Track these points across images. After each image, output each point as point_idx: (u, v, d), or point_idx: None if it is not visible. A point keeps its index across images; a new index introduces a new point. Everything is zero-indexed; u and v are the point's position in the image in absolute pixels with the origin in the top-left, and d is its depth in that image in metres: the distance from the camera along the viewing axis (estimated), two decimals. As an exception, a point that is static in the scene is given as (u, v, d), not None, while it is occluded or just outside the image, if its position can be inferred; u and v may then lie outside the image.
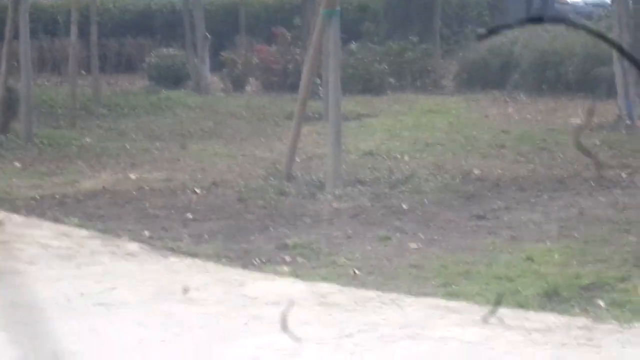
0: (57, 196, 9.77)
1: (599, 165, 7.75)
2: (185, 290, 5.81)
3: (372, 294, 6.70)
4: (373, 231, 8.43)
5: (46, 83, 19.03)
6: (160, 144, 13.10)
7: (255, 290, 6.77)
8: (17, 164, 11.52)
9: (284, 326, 4.82)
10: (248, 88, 18.77)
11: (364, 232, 8.43)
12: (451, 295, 6.63)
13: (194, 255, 7.67)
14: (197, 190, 10.07)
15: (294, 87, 14.37)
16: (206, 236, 8.27)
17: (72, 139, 13.19)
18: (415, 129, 13.44)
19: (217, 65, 19.05)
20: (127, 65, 21.59)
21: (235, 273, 7.21)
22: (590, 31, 2.19)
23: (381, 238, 8.20)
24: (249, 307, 6.40)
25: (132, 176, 10.87)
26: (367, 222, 8.77)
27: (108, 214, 9.08)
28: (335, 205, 9.36)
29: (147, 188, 10.18)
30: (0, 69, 13.21)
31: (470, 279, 7.03)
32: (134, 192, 10.01)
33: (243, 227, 8.62)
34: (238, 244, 8.03)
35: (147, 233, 8.32)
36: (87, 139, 13.35)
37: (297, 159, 10.91)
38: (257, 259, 7.57)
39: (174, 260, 7.55)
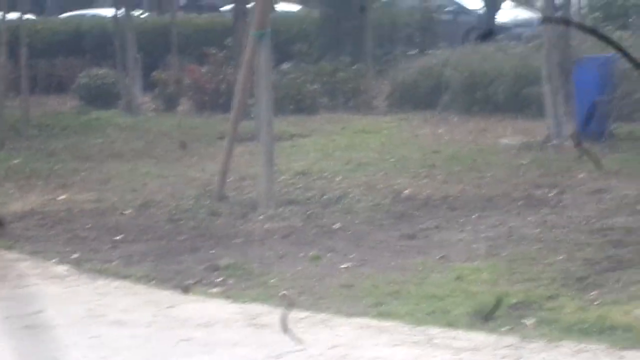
0: (-15, 218, 9.66)
1: (599, 164, 7.86)
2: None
3: (302, 314, 6.70)
4: (305, 251, 8.43)
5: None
6: (90, 165, 13.00)
7: (186, 311, 6.74)
8: (-56, 186, 11.36)
9: (284, 327, 4.79)
10: (180, 108, 18.71)
11: (295, 252, 8.43)
12: (382, 315, 6.66)
13: (123, 277, 7.62)
14: (127, 211, 10.00)
15: (226, 107, 14.36)
16: (136, 257, 8.21)
17: (0, 160, 13.04)
18: (347, 148, 13.49)
19: (149, 85, 18.97)
20: (58, 86, 21.41)
21: (165, 295, 7.17)
22: (590, 31, 2.22)
23: (312, 258, 8.21)
24: (179, 328, 6.36)
25: (62, 197, 10.77)
26: (299, 242, 8.77)
27: (37, 235, 8.99)
28: (267, 225, 9.35)
29: (76, 209, 10.09)
30: None
31: (401, 299, 7.06)
32: (64, 214, 9.92)
33: (174, 248, 8.58)
34: (168, 265, 7.99)
35: (76, 255, 8.25)
36: (16, 160, 13.21)
37: (230, 179, 10.89)
38: (187, 281, 7.54)
39: (103, 282, 7.49)
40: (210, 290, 7.31)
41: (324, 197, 10.54)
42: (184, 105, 18.86)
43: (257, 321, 6.55)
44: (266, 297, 7.13)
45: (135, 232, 9.16)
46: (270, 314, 6.70)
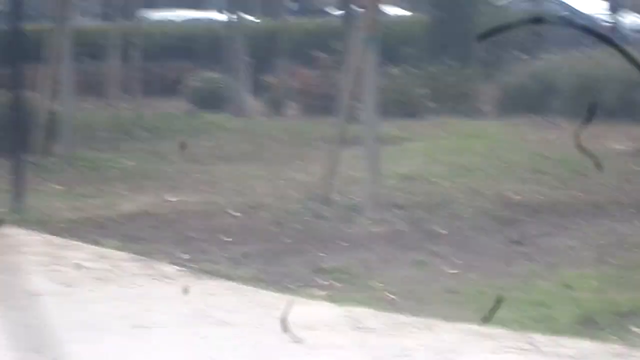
0: (97, 219, 9.85)
1: (599, 166, 7.74)
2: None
3: (406, 319, 6.70)
4: (409, 256, 8.42)
5: (89, 106, 19.20)
6: (199, 167, 13.18)
7: (291, 314, 6.78)
8: (58, 187, 11.62)
9: (284, 327, 4.82)
10: (288, 112, 18.84)
11: (400, 256, 8.43)
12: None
13: (231, 278, 7.70)
14: (235, 213, 10.11)
15: (333, 111, 14.41)
16: (243, 259, 8.30)
17: (112, 162, 13.30)
18: (454, 153, 13.42)
19: (258, 89, 19.14)
20: (169, 89, 21.75)
21: (271, 297, 7.23)
22: (591, 32, 2.20)
23: (417, 263, 8.19)
24: (284, 331, 6.40)
25: (172, 199, 10.94)
26: (404, 246, 8.77)
27: (147, 236, 9.14)
28: (372, 229, 9.36)
29: (186, 211, 10.24)
30: (43, 92, 13.36)
31: (507, 305, 6.99)
32: (173, 215, 10.07)
33: (280, 250, 8.65)
34: (274, 267, 8.06)
35: (184, 256, 8.37)
36: (128, 162, 13.46)
37: (335, 183, 10.94)
38: (292, 283, 7.59)
39: (211, 283, 7.59)
40: (315, 293, 7.35)
41: (430, 201, 10.51)
42: (293, 108, 18.99)
43: (361, 325, 6.57)
44: (371, 300, 7.14)
45: (243, 234, 9.26)
46: (375, 317, 6.71)
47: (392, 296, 7.23)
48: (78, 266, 8.01)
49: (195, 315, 6.74)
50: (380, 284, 7.57)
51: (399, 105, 17.21)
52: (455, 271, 7.92)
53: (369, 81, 10.31)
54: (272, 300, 7.12)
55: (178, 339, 6.24)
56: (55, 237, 9.07)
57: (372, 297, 7.24)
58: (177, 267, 8.02)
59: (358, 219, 9.72)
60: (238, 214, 10.09)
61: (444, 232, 9.21)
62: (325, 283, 7.61)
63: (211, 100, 19.47)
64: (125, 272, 7.85)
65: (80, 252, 8.53)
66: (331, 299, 7.18)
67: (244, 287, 7.48)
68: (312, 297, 7.26)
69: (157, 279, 7.71)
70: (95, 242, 8.85)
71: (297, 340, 4.42)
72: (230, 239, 9.01)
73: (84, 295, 7.21)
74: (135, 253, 8.47)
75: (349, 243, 8.89)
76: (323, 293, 7.36)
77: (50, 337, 6.19)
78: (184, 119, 18.12)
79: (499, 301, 4.93)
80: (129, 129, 16.26)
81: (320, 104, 18.11)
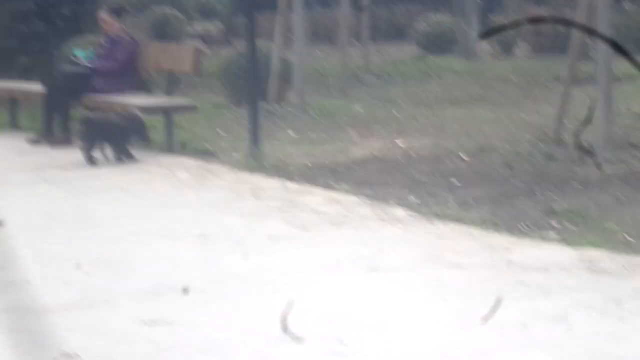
0: (329, 164, 10.06)
1: (599, 165, 7.42)
2: (185, 291, 5.67)
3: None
4: (645, 196, 8.22)
5: (319, 53, 19.50)
6: (427, 111, 13.22)
7: (521, 255, 6.77)
8: (291, 133, 11.90)
9: (284, 327, 4.77)
10: (518, 52, 18.58)
11: (635, 196, 8.24)
12: None
13: (460, 220, 7.73)
14: (463, 156, 10.11)
15: (564, 49, 14.12)
16: (472, 202, 8.31)
17: (342, 108, 13.50)
18: (692, 89, 12.94)
19: (486, 29, 18.95)
20: (396, 33, 21.81)
21: (500, 238, 7.23)
22: (583, 28, 2.12)
23: (653, 203, 7.99)
24: (515, 272, 6.41)
25: (400, 143, 11.03)
26: (639, 186, 8.56)
27: (376, 180, 9.27)
28: (606, 170, 9.17)
29: (414, 155, 10.32)
30: (275, 40, 13.65)
31: None
32: (403, 159, 10.17)
33: (509, 192, 8.61)
34: (504, 209, 8.04)
35: (413, 199, 8.45)
36: (357, 108, 13.62)
37: (568, 124, 10.75)
38: (523, 225, 7.56)
39: (440, 226, 7.64)
40: (546, 235, 7.30)
41: (667, 139, 10.20)
42: (522, 48, 18.71)
43: (595, 266, 6.49)
44: (604, 242, 7.03)
45: (471, 176, 9.25)
46: (610, 259, 6.61)
47: (629, 238, 7.09)
48: (312, 210, 8.22)
49: (427, 258, 6.82)
50: (615, 226, 7.43)
51: (633, 42, 16.69)
52: (693, 211, 7.69)
53: (602, 17, 10.05)
54: (503, 243, 7.12)
55: (411, 281, 6.33)
56: (290, 182, 9.32)
57: (606, 239, 7.12)
58: (408, 211, 8.11)
59: (590, 159, 9.54)
60: (468, 158, 10.08)
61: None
62: (558, 225, 7.54)
63: (440, 43, 19.42)
64: (357, 216, 8.00)
65: (315, 196, 8.74)
66: (564, 241, 7.11)
67: (475, 230, 7.50)
68: (544, 239, 7.21)
69: (389, 222, 7.82)
70: (329, 187, 9.05)
71: (297, 340, 4.40)
72: (460, 183, 9.03)
73: (319, 238, 7.40)
74: (366, 197, 8.61)
75: (582, 185, 8.75)
76: (555, 235, 7.30)
77: (285, 278, 6.40)
78: (412, 63, 18.15)
79: (498, 301, 4.82)
80: (359, 75, 16.44)
81: (549, 42, 17.78)
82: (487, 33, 3.45)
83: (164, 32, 22.49)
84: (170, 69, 11.95)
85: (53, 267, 6.73)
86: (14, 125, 12.70)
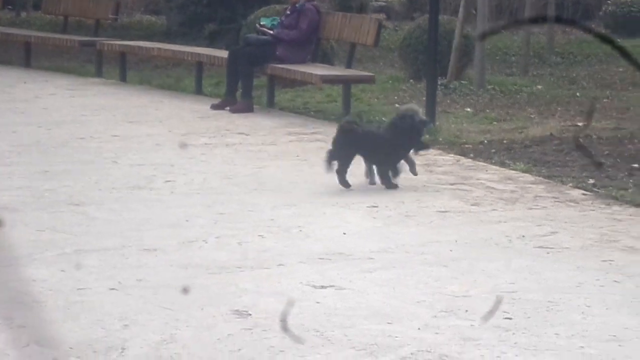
0: (505, 141, 9.97)
1: (599, 165, 6.93)
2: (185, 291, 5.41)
3: None
4: None
5: (502, 31, 19.25)
6: (610, 93, 12.94)
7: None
8: (469, 109, 11.84)
9: (284, 327, 4.62)
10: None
11: None
12: None
13: (637, 204, 7.57)
14: (646, 140, 9.88)
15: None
16: (653, 186, 8.12)
17: (523, 86, 13.34)
18: None
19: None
20: (584, 14, 21.38)
21: (679, 225, 7.05)
22: (589, 30, 2.00)
23: None
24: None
25: (580, 124, 10.85)
26: None
27: (553, 160, 9.15)
28: None
29: (594, 136, 10.13)
30: (458, 15, 13.58)
31: None
32: (582, 140, 9.99)
33: (691, 178, 8.37)
34: (685, 195, 7.83)
35: (591, 181, 8.31)
36: (538, 87, 13.44)
37: None
38: None
39: (617, 209, 7.50)
40: None
41: None
42: None
43: None
44: None
45: (653, 161, 9.04)
46: None
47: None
48: (485, 187, 8.18)
49: (600, 239, 6.71)
50: None
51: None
52: None
53: None
54: (680, 229, 6.94)
55: (583, 262, 6.25)
56: (463, 157, 9.30)
57: None
58: (583, 192, 7.99)
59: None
60: (649, 141, 9.84)
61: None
62: None
63: (628, 24, 18.95)
64: (531, 195, 7.92)
65: (487, 173, 8.70)
66: None
67: (648, 214, 7.33)
68: None
69: (562, 202, 7.72)
70: (502, 164, 8.98)
71: (298, 341, 4.27)
72: (639, 166, 8.83)
73: (489, 214, 7.37)
74: (541, 176, 8.52)
75: None
76: None
77: (453, 252, 6.40)
78: (597, 44, 17.76)
79: (498, 301, 4.59)
80: (541, 54, 16.21)
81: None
82: (485, 35, 3.40)
83: (347, 3, 22.64)
84: (352, 40, 12.04)
85: (227, 229, 6.90)
86: (199, 90, 13.04)
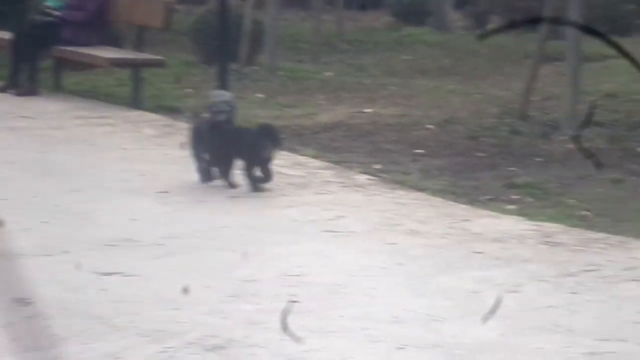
0: (295, 127, 10.06)
1: (599, 164, 7.55)
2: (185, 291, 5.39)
3: (599, 235, 6.63)
4: (606, 173, 8.29)
5: (292, 17, 19.43)
6: (397, 80, 13.22)
7: (480, 226, 6.81)
8: (261, 95, 11.89)
9: (284, 326, 4.77)
10: (490, 26, 18.60)
11: (596, 174, 8.30)
12: (682, 242, 6.48)
13: (421, 189, 7.77)
14: (430, 127, 10.14)
15: (537, 26, 14.15)
16: (435, 171, 8.35)
17: (313, 73, 13.48)
18: (660, 72, 13.01)
19: (460, 2, 18.95)
20: (373, 2, 21.77)
21: (460, 209, 7.27)
22: (591, 32, 2.13)
23: (614, 181, 8.06)
24: (472, 242, 6.45)
25: (368, 110, 11.05)
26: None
27: (342, 146, 9.29)
28: (568, 146, 9.23)
29: (381, 123, 10.34)
30: (249, 1, 13.60)
31: None
32: (369, 127, 10.18)
33: (472, 164, 8.65)
34: (466, 180, 8.08)
35: (378, 166, 8.48)
36: (328, 74, 13.61)
37: (534, 99, 10.80)
38: (483, 196, 7.61)
39: (401, 194, 7.68)
40: (505, 207, 7.35)
41: (631, 119, 10.28)
42: (495, 23, 18.72)
43: (551, 239, 6.54)
44: (562, 217, 7.09)
45: (436, 147, 9.29)
46: (565, 233, 6.67)
47: (587, 213, 7.15)
48: (276, 172, 8.21)
49: (385, 223, 6.85)
50: (574, 201, 7.50)
51: (605, 22, 16.74)
52: (652, 190, 7.77)
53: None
54: (461, 212, 7.16)
55: (367, 245, 6.36)
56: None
57: (564, 213, 7.19)
58: (369, 177, 8.14)
59: (554, 135, 9.61)
60: (433, 127, 10.11)
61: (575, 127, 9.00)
62: (517, 198, 7.59)
63: (413, 13, 19.40)
64: (320, 180, 8.02)
65: (278, 158, 8.74)
66: (523, 214, 7.17)
67: (434, 198, 7.54)
68: (503, 211, 7.26)
69: (349, 187, 7.85)
70: (292, 150, 9.05)
71: (297, 340, 4.40)
72: (424, 152, 9.06)
73: (279, 199, 7.42)
74: (329, 162, 8.63)
75: (544, 159, 8.81)
76: (514, 207, 7.35)
77: (244, 237, 6.42)
78: (385, 32, 18.13)
79: (498, 302, 4.89)
80: (331, 41, 16.41)
81: (523, 18, 17.78)
82: (485, 35, 3.46)
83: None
84: (141, 23, 11.88)
85: (13, 215, 6.70)
86: (-19, 73, 12.60)
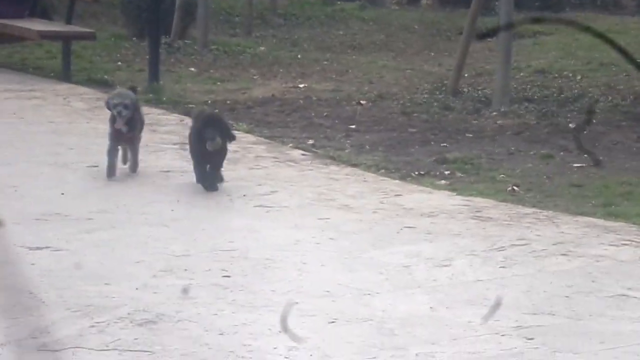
0: (228, 102, 10.01)
1: (598, 163, 7.69)
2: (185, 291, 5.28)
3: (528, 210, 6.70)
4: (536, 149, 8.37)
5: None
6: (330, 55, 13.22)
7: (411, 201, 6.85)
8: (193, 69, 11.81)
9: (284, 327, 4.79)
10: (423, 2, 18.65)
11: (526, 149, 8.38)
12: (610, 216, 6.57)
13: (354, 164, 7.79)
14: (362, 102, 10.16)
15: (469, 2, 14.21)
16: (368, 147, 8.37)
17: (246, 47, 13.42)
18: (590, 48, 13.16)
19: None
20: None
21: (392, 184, 7.30)
22: (591, 32, 2.15)
23: (544, 156, 8.14)
24: (404, 216, 6.48)
25: (301, 85, 11.03)
26: (531, 139, 8.71)
27: (275, 121, 9.27)
28: (499, 121, 9.31)
29: (314, 98, 10.33)
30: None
31: (632, 200, 6.94)
32: (302, 101, 10.17)
33: (405, 139, 8.69)
34: (398, 156, 8.11)
35: (311, 141, 8.48)
36: (261, 48, 13.56)
37: (466, 75, 10.86)
38: (415, 171, 7.64)
39: (334, 169, 7.69)
40: (437, 182, 7.39)
41: (562, 95, 10.38)
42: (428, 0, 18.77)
43: (481, 214, 6.59)
44: (493, 191, 7.15)
45: (369, 122, 9.31)
46: (495, 208, 6.73)
47: (515, 188, 7.22)
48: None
49: (317, 198, 6.86)
50: (504, 176, 7.56)
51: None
52: (581, 165, 7.86)
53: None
54: (393, 187, 7.19)
55: (300, 220, 6.36)
56: (187, 117, 9.26)
57: (494, 188, 7.24)
58: (303, 152, 8.13)
59: (486, 111, 9.68)
60: (365, 103, 10.13)
61: (573, 126, 9.11)
62: (449, 173, 7.64)
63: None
64: (253, 155, 7.99)
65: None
66: (454, 189, 7.21)
67: (367, 173, 7.56)
68: (434, 186, 7.30)
69: (283, 162, 7.84)
70: (225, 125, 9.01)
71: (298, 340, 4.39)
72: (356, 127, 9.07)
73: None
74: (262, 136, 8.61)
75: (475, 134, 8.87)
76: (445, 182, 7.40)
77: (176, 212, 6.38)
78: (319, 6, 18.09)
79: (498, 302, 4.95)
80: (265, 16, 16.34)
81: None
82: (485, 34, 3.46)
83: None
84: (71, -4, 11.72)
85: (-62, 189, 6.61)
86: None
